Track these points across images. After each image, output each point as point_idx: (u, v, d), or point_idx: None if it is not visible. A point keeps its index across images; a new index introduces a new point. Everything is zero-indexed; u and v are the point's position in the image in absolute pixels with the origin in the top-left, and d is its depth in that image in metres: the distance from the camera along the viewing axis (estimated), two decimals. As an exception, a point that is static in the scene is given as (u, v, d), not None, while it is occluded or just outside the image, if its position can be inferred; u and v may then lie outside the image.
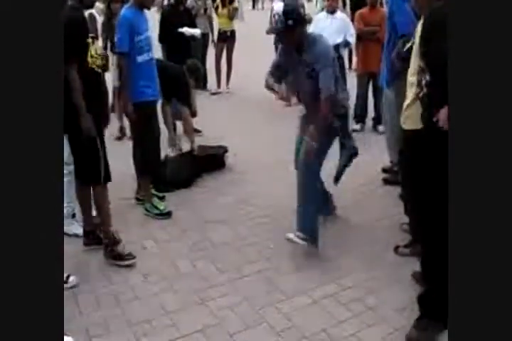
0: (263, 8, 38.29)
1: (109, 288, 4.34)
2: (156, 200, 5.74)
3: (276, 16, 4.42)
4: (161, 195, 5.98)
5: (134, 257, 4.74)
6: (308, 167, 4.68)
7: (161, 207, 5.68)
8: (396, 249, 4.72)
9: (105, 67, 4.70)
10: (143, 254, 4.84)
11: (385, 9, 7.49)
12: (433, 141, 3.36)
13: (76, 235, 5.03)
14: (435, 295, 3.61)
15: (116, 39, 5.43)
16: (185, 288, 4.29)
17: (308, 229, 4.67)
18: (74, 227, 5.09)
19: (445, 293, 3.58)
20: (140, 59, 5.31)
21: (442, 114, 3.33)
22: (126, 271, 4.58)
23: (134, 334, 3.78)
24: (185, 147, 7.03)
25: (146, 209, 5.70)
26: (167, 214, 5.64)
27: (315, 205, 4.76)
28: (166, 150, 6.72)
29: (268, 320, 3.88)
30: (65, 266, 4.39)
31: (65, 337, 3.42)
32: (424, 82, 3.45)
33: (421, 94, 3.50)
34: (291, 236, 4.69)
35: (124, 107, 5.48)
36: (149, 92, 5.44)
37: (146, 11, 5.45)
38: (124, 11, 5.39)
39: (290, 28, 4.48)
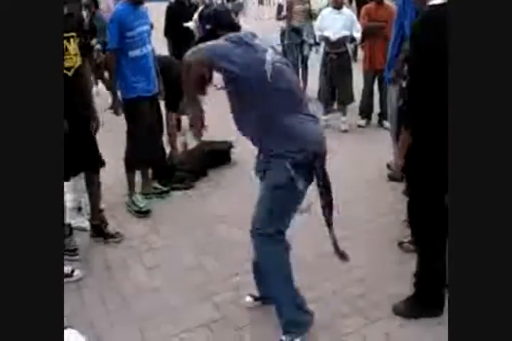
0: (271, 3, 38.00)
1: (113, 282, 4.37)
2: (136, 197, 5.71)
3: (194, 23, 3.93)
4: (165, 188, 6.00)
5: (122, 235, 5.02)
6: (263, 242, 3.50)
7: (141, 205, 5.63)
8: (400, 244, 4.72)
9: (80, 67, 4.48)
10: (147, 249, 4.86)
11: (394, 6, 7.45)
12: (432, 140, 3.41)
13: (82, 228, 5.05)
14: (430, 285, 3.78)
15: (107, 35, 5.42)
16: (190, 283, 4.30)
17: (292, 322, 3.58)
18: (80, 221, 5.11)
19: (439, 284, 3.72)
20: (132, 54, 5.28)
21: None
22: (131, 266, 4.60)
23: (139, 328, 3.80)
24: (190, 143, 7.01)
25: (127, 205, 5.69)
26: (145, 213, 5.59)
27: (287, 291, 3.59)
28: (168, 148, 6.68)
29: (273, 315, 3.88)
30: (70, 260, 4.46)
31: (70, 330, 3.43)
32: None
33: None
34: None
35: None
36: (140, 88, 5.39)
37: (144, 5, 5.45)
38: (117, 6, 5.39)
39: (210, 34, 3.57)
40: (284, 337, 3.50)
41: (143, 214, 5.58)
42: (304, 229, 4.91)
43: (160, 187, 6.02)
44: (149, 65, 5.49)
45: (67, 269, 4.32)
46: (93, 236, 5.01)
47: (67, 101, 4.37)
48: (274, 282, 3.56)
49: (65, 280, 4.24)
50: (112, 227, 5.09)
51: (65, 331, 3.36)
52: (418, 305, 3.83)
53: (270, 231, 3.41)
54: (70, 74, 4.34)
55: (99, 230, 5.00)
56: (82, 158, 4.62)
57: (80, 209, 5.23)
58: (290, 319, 3.55)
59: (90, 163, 4.76)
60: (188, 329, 3.77)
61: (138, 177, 5.90)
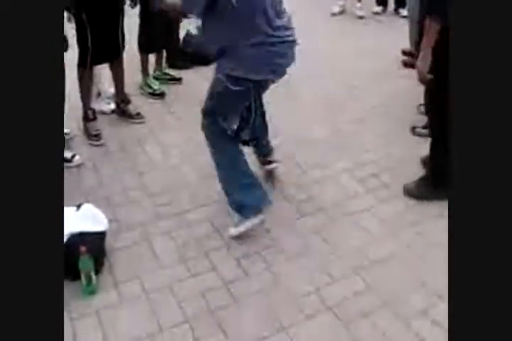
0: None
1: (129, 161, 4.46)
2: (150, 79, 5.70)
3: None
4: (178, 76, 5.97)
5: (142, 117, 5.09)
6: (205, 119, 3.69)
7: (155, 87, 5.64)
8: (413, 129, 4.74)
9: None
10: (162, 129, 4.94)
11: None
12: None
13: (102, 112, 5.14)
14: (441, 167, 3.72)
15: None
16: (203, 161, 4.35)
17: (238, 205, 3.63)
18: (100, 105, 5.17)
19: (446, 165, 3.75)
20: None
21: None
22: (147, 145, 4.68)
23: (154, 203, 3.91)
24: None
25: (141, 88, 5.68)
26: (159, 95, 5.60)
27: (224, 173, 3.69)
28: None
29: (285, 192, 3.97)
30: (93, 144, 4.61)
31: (86, 204, 3.53)
32: None
33: None
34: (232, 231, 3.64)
35: None
36: None
37: None
38: None
39: None
40: (235, 217, 3.66)
41: (157, 96, 5.58)
42: (315, 115, 4.99)
43: (173, 74, 5.98)
44: None
45: (67, 155, 4.39)
46: (116, 114, 5.15)
47: None
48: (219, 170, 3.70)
49: (66, 164, 4.31)
50: (132, 108, 5.12)
51: (82, 205, 3.48)
52: (428, 186, 3.90)
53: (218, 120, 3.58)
54: None
55: (121, 109, 5.10)
56: (109, 47, 4.68)
57: (99, 94, 5.24)
58: (236, 203, 3.63)
59: (116, 52, 4.78)
60: (201, 204, 3.88)
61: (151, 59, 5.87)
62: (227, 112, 3.60)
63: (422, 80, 3.63)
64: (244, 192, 3.57)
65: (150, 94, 5.59)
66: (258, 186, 3.66)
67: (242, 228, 3.57)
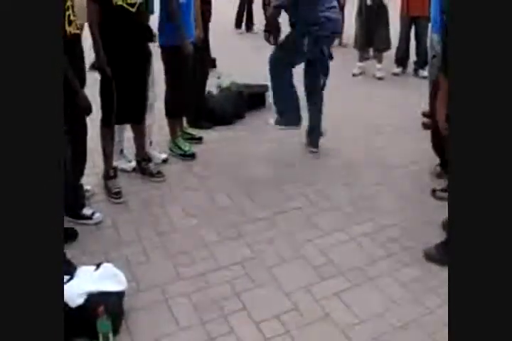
0: None
1: (150, 220, 4.44)
2: (180, 141, 5.70)
3: None
4: (198, 136, 6.01)
5: (163, 176, 5.11)
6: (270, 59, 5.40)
7: (186, 148, 5.62)
8: (433, 192, 4.73)
9: (141, 6, 4.44)
10: (183, 189, 4.94)
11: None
12: None
13: (124, 170, 5.18)
14: None
15: None
16: (224, 222, 4.36)
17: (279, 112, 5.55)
18: (121, 162, 5.21)
19: None
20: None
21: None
22: (167, 204, 4.68)
23: (174, 264, 3.88)
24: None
25: (171, 149, 5.68)
26: (191, 156, 5.58)
27: (278, 94, 5.50)
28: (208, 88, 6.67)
29: (305, 255, 3.95)
30: (115, 202, 4.63)
31: (106, 264, 3.52)
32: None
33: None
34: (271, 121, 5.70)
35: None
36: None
37: None
38: None
39: None
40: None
41: (188, 157, 5.57)
42: (337, 178, 5.00)
43: (194, 133, 6.02)
44: (189, 12, 5.25)
45: (87, 212, 4.41)
46: (137, 173, 5.16)
47: (130, 35, 4.43)
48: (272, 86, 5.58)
49: (85, 221, 4.36)
50: (153, 166, 5.16)
51: (102, 265, 3.47)
52: (448, 251, 3.86)
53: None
54: (133, 10, 4.36)
55: (142, 168, 5.13)
56: (130, 110, 4.73)
57: (121, 151, 5.28)
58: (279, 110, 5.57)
59: (137, 116, 4.86)
60: (222, 266, 3.85)
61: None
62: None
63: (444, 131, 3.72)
64: (285, 108, 5.55)
65: (181, 155, 5.59)
66: (296, 108, 5.52)
67: (277, 126, 5.64)
